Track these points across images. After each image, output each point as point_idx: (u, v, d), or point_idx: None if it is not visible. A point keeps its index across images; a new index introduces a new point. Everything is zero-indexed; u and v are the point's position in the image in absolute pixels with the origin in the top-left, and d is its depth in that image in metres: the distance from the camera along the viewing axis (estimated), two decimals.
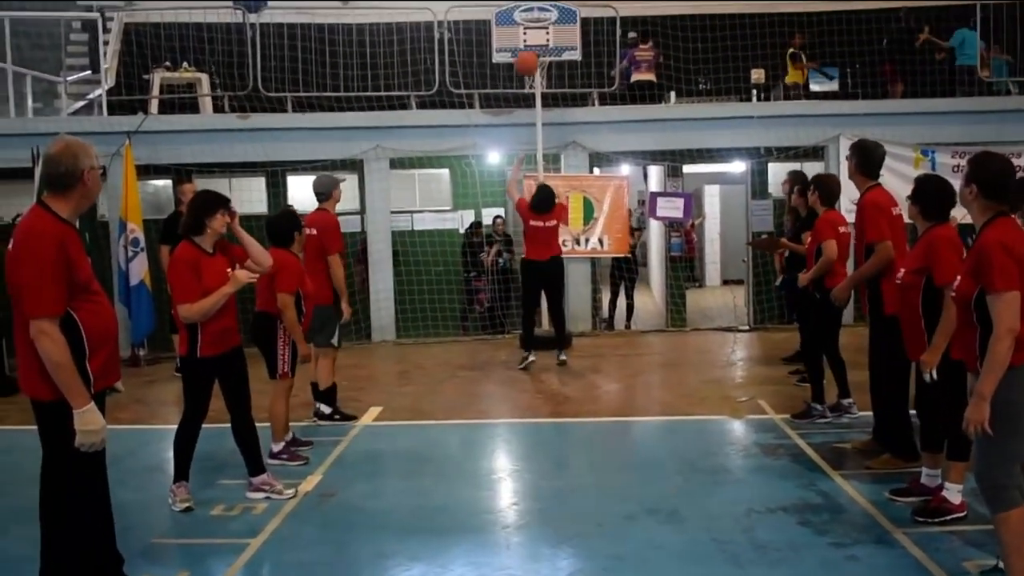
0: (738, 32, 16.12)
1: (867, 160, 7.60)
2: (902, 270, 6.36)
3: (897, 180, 11.69)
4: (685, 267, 16.85)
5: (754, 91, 15.82)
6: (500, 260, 15.01)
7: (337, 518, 6.57)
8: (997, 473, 4.61)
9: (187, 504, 6.65)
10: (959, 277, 4.91)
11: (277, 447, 7.81)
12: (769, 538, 5.92)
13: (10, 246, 4.61)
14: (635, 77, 15.59)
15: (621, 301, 16.31)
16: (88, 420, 4.58)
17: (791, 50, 15.96)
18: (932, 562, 5.44)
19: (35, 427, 4.78)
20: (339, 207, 9.56)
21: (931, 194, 6.23)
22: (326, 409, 9.22)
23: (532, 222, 11.94)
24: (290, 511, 6.65)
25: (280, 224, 8.06)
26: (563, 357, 12.15)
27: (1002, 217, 4.79)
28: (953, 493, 6.09)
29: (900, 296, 6.38)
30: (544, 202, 11.93)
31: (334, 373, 9.29)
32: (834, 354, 8.76)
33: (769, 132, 14.71)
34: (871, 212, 7.31)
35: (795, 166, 13.52)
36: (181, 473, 6.70)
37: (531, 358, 11.97)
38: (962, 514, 6.03)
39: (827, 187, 8.91)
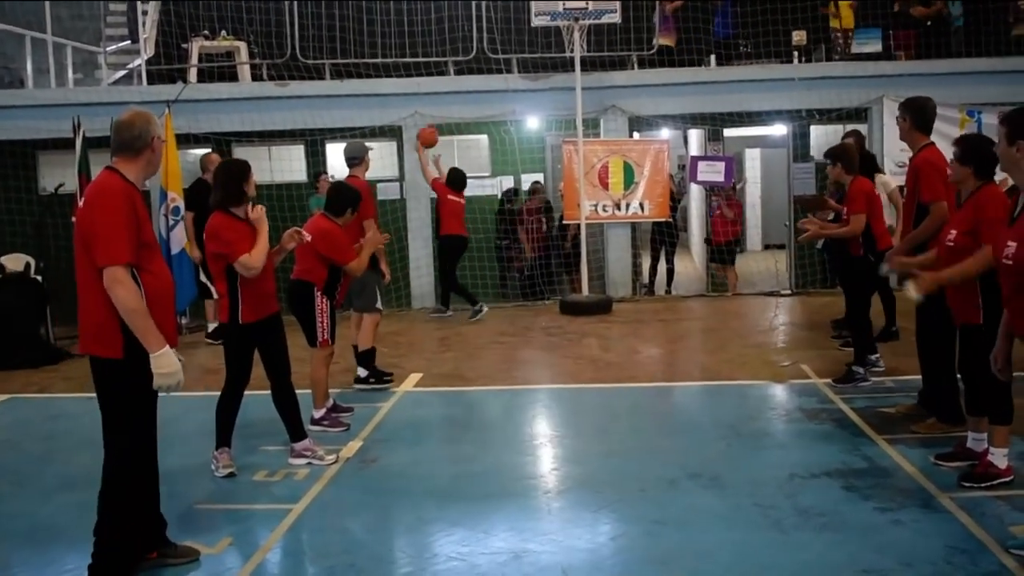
0: None
1: (922, 116, 7.50)
2: (953, 232, 6.23)
3: (943, 142, 11.45)
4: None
5: (795, 53, 15.56)
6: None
7: (378, 484, 6.59)
8: None
9: (230, 470, 6.70)
10: (1012, 243, 4.76)
11: (318, 413, 7.84)
12: (813, 503, 5.87)
13: (81, 203, 4.82)
14: (659, 40, 15.33)
15: (661, 266, 16.22)
16: (163, 363, 4.69)
17: None
18: (978, 527, 5.37)
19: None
20: (378, 174, 9.57)
21: (986, 153, 6.08)
22: (362, 372, 9.27)
23: (451, 197, 13.00)
24: (332, 477, 6.68)
25: (340, 196, 8.07)
26: (449, 312, 13.49)
27: None
28: (999, 457, 5.99)
29: (950, 259, 6.22)
30: (460, 180, 13.19)
31: (375, 337, 9.30)
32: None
33: (811, 94, 14.51)
34: (927, 171, 7.17)
35: (838, 128, 13.36)
36: (224, 439, 6.75)
37: (484, 309, 13.26)
38: (1008, 478, 5.94)
39: (847, 156, 8.79)
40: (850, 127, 13.44)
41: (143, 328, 4.65)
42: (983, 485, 5.93)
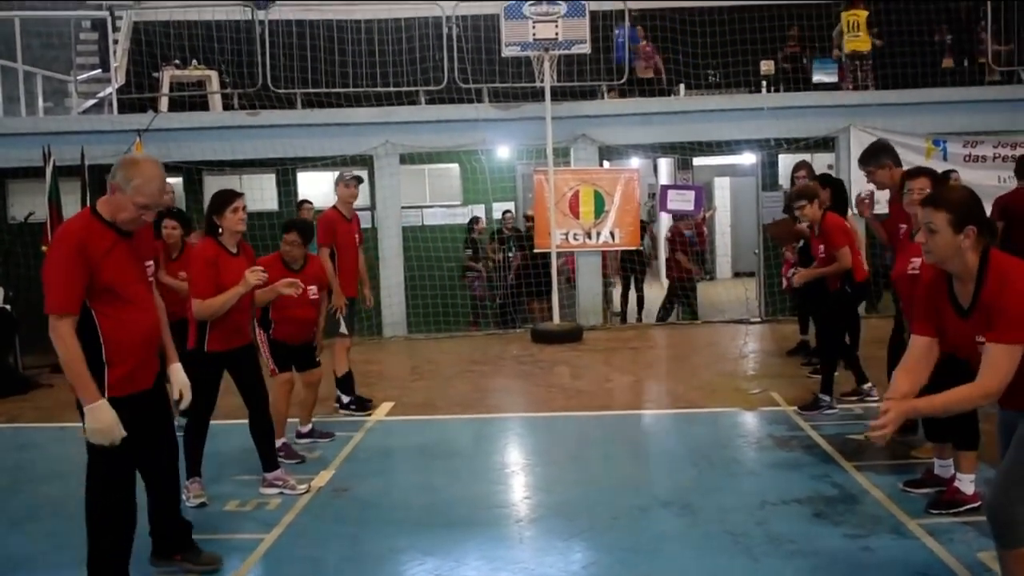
0: (747, 24, 16.05)
1: (896, 154, 7.56)
2: (916, 260, 6.22)
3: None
4: (696, 260, 16.81)
5: (764, 83, 15.75)
6: (510, 255, 15.02)
7: (350, 513, 6.57)
8: (1020, 508, 4.13)
9: (201, 500, 6.65)
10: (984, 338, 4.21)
11: (278, 443, 7.74)
12: (783, 530, 5.90)
13: None
14: (639, 73, 15.50)
15: (631, 294, 16.28)
16: (95, 417, 4.65)
17: (867, 14, 15.15)
18: (947, 553, 5.42)
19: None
20: None
21: None
22: (345, 398, 9.36)
23: None
24: (303, 506, 6.66)
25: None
26: None
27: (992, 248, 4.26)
28: (966, 483, 6.05)
29: (913, 289, 6.16)
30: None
31: (347, 362, 9.34)
32: (843, 344, 8.81)
33: (779, 123, 14.65)
34: None
35: (806, 157, 13.47)
36: (194, 469, 6.70)
37: None
38: (976, 504, 5.98)
39: (819, 194, 8.86)
40: (818, 156, 13.65)
41: (75, 379, 4.66)
42: (950, 512, 5.99)
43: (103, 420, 4.64)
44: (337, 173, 9.83)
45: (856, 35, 15.05)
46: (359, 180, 9.63)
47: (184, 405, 5.49)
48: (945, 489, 6.20)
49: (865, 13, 15.06)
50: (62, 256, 4.63)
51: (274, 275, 7.29)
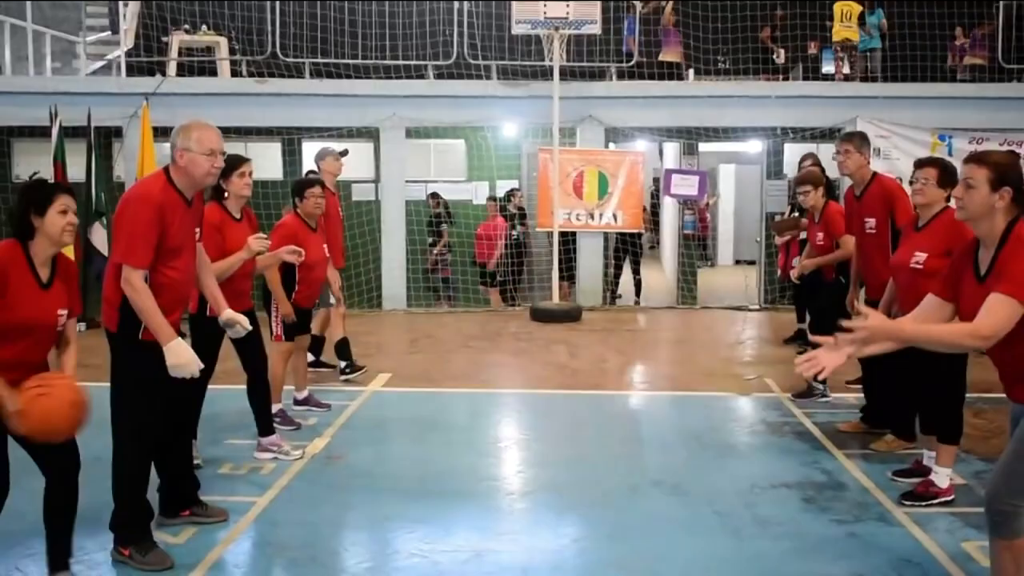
0: (758, 11, 16.03)
1: (870, 147, 7.62)
2: (921, 254, 6.10)
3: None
4: (698, 245, 16.82)
5: (771, 70, 15.75)
6: (514, 233, 15.01)
7: (343, 480, 6.63)
8: (1017, 501, 4.12)
9: (196, 461, 6.65)
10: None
11: (274, 409, 7.78)
12: (771, 513, 5.96)
13: (126, 192, 5.23)
14: (664, 56, 15.48)
15: (629, 277, 16.24)
16: (176, 353, 4.97)
17: (861, 10, 15.29)
18: (932, 542, 5.47)
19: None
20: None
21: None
22: (341, 363, 9.60)
23: None
24: (297, 472, 6.72)
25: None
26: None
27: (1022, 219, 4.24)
28: (942, 477, 6.10)
29: (915, 281, 6.01)
30: None
31: (343, 329, 9.64)
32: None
33: (787, 112, 14.68)
34: (901, 195, 7.22)
35: (811, 147, 13.48)
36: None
37: None
38: (949, 498, 6.04)
39: (823, 181, 8.92)
40: (824, 147, 13.64)
41: (153, 325, 4.93)
42: (922, 504, 6.04)
43: (183, 355, 4.99)
44: (319, 148, 9.80)
45: (848, 25, 15.12)
46: (346, 153, 9.83)
47: (244, 332, 5.80)
48: (920, 481, 6.25)
49: (859, 8, 15.12)
50: (144, 215, 4.92)
51: (302, 237, 7.64)
